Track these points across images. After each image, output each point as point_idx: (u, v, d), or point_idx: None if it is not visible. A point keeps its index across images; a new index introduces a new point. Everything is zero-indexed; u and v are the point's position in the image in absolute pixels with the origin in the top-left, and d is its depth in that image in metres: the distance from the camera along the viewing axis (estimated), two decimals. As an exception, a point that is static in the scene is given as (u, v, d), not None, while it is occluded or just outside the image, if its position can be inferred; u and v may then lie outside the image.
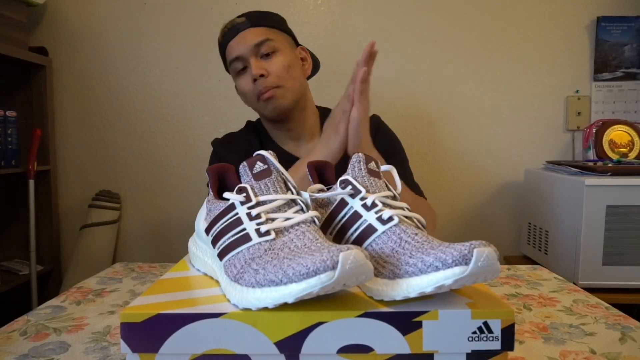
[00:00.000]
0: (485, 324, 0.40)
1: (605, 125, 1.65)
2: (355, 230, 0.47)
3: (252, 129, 1.21)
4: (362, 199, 0.48)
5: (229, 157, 1.07)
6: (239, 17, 1.08)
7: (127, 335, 0.40)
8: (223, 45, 1.09)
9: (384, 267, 0.43)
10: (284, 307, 0.40)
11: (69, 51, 1.80)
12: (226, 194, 0.48)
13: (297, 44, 1.14)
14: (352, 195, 0.49)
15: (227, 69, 1.14)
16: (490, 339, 0.40)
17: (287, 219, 0.45)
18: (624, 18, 1.74)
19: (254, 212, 0.45)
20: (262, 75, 1.02)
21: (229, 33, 1.07)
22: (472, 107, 1.79)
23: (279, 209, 0.46)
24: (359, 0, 1.76)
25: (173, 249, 1.84)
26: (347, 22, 1.76)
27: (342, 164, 0.89)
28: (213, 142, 1.19)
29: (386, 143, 1.11)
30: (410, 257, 0.41)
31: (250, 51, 1.04)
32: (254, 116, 1.24)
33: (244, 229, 0.45)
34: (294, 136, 1.14)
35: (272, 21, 1.09)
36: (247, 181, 0.48)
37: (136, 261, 1.53)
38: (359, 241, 0.47)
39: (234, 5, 1.77)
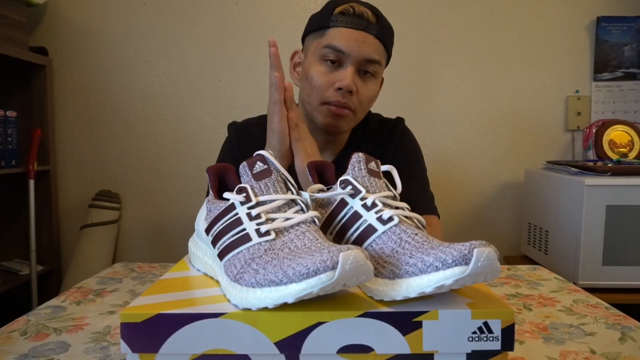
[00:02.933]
0: (486, 324, 0.40)
1: (605, 125, 1.65)
2: (355, 231, 0.47)
3: None
4: (362, 199, 0.48)
5: (242, 154, 0.98)
6: (371, 9, 0.91)
7: (127, 335, 0.40)
8: (333, 20, 0.90)
9: (384, 267, 0.43)
10: (284, 307, 0.40)
11: (69, 51, 1.80)
12: (226, 194, 0.48)
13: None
14: (352, 195, 0.49)
15: (308, 32, 0.97)
16: (491, 339, 0.40)
17: (287, 219, 0.45)
18: (624, 18, 1.74)
19: (254, 212, 0.45)
20: (351, 91, 0.89)
21: (351, 18, 0.89)
22: (472, 107, 1.79)
23: (279, 209, 0.46)
24: (359, 0, 1.76)
25: (173, 249, 1.84)
26: (347, 22, 1.76)
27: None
28: (230, 127, 1.08)
29: (408, 149, 1.06)
30: (410, 257, 0.41)
31: (357, 60, 0.89)
32: (254, 113, 1.21)
33: (244, 229, 0.45)
34: (324, 147, 1.02)
35: (391, 42, 0.96)
36: (247, 181, 0.48)
37: (136, 261, 1.54)
38: (359, 241, 0.47)
39: (234, 5, 1.77)
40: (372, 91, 0.94)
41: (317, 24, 0.94)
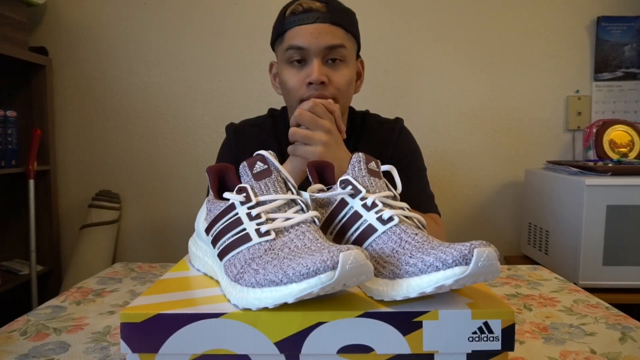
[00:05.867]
0: (486, 324, 0.40)
1: (606, 125, 1.65)
2: (355, 230, 0.47)
3: (273, 124, 1.08)
4: (362, 199, 0.48)
5: (240, 155, 1.00)
6: (319, 1, 0.91)
7: (127, 336, 0.40)
8: (286, 23, 0.92)
9: (384, 267, 0.42)
10: (284, 307, 0.40)
11: (69, 51, 1.80)
12: (226, 194, 0.48)
13: (358, 56, 1.01)
14: (352, 195, 0.49)
15: (272, 42, 0.99)
16: (491, 339, 0.40)
17: (287, 219, 0.45)
18: (624, 18, 1.74)
19: (254, 212, 0.45)
20: (322, 83, 0.89)
21: (301, 15, 0.90)
22: (472, 107, 1.79)
23: (279, 209, 0.46)
24: (358, 1, 1.76)
25: (173, 249, 1.84)
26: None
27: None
28: (228, 128, 1.09)
29: (407, 149, 1.06)
30: (411, 257, 0.41)
31: (319, 51, 0.89)
32: (254, 113, 1.21)
33: (244, 229, 0.45)
34: None
35: (351, 23, 0.95)
36: (247, 181, 0.48)
37: (136, 261, 1.53)
38: (359, 241, 0.47)
39: (234, 5, 1.77)
40: (346, 76, 0.93)
41: (276, 32, 0.96)
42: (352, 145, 1.03)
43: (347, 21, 0.93)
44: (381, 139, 1.05)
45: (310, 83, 0.90)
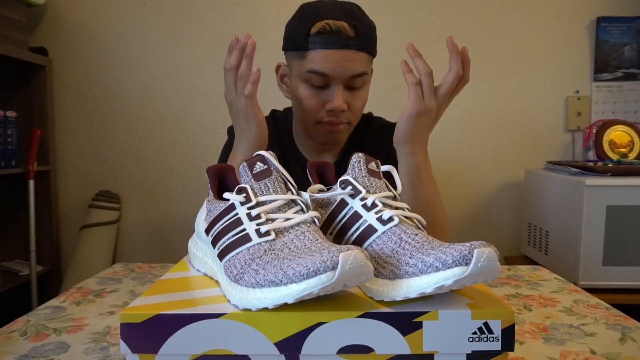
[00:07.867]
0: (486, 324, 0.40)
1: (606, 125, 1.65)
2: (355, 231, 0.47)
3: (275, 125, 1.05)
4: (362, 199, 0.48)
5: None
6: (348, 23, 0.86)
7: (127, 336, 0.40)
8: (311, 42, 0.86)
9: (384, 267, 0.42)
10: (284, 307, 0.40)
11: (69, 51, 1.80)
12: (226, 194, 0.48)
13: None
14: (352, 196, 0.49)
15: (287, 49, 0.93)
16: (491, 339, 0.40)
17: (287, 219, 0.45)
18: (624, 18, 1.74)
19: (254, 212, 0.45)
20: (342, 110, 0.89)
21: (330, 38, 0.85)
22: (472, 107, 1.79)
23: (279, 210, 0.46)
24: (357, 1, 1.76)
25: (173, 249, 1.84)
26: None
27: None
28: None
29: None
30: (411, 258, 0.41)
31: (344, 79, 0.88)
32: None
33: (244, 230, 0.45)
34: (324, 149, 1.03)
35: (374, 43, 0.93)
36: (247, 181, 0.48)
37: (136, 261, 1.53)
38: (359, 241, 0.47)
39: (234, 5, 1.77)
40: (363, 99, 0.92)
41: (295, 44, 0.90)
42: (357, 146, 1.03)
43: (371, 44, 0.91)
44: (384, 142, 1.05)
45: (330, 109, 0.89)
